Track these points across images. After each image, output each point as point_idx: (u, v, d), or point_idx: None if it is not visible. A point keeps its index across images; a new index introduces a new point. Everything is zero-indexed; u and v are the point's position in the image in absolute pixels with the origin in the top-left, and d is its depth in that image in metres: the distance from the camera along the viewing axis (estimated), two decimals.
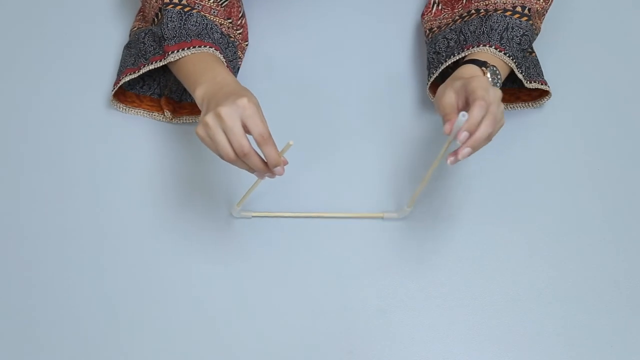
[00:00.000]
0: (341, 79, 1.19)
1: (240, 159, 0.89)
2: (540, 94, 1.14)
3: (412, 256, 1.04)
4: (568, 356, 0.97)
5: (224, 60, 1.05)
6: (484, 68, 1.00)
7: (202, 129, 0.90)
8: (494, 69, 1.00)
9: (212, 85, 0.96)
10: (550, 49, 1.22)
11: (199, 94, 0.97)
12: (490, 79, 0.99)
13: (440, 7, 1.18)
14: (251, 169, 0.91)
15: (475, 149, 0.89)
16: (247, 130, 0.89)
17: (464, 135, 0.88)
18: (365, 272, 1.03)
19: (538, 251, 1.05)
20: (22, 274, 1.03)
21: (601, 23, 1.26)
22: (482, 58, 1.02)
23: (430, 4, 1.20)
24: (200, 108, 0.96)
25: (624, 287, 1.02)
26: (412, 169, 1.10)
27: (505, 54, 1.03)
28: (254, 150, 0.89)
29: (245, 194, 1.01)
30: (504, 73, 1.03)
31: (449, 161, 0.90)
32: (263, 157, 0.90)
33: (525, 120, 1.14)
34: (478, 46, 1.04)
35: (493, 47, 1.03)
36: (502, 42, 1.04)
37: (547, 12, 1.11)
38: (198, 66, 1.01)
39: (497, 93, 0.92)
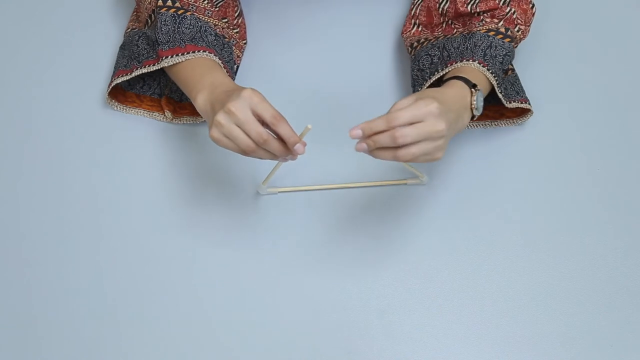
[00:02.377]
0: (340, 80, 1.19)
1: (261, 148, 0.90)
2: (524, 110, 1.13)
3: (412, 256, 1.04)
4: (568, 356, 0.97)
5: (220, 62, 1.05)
6: (473, 90, 0.97)
7: (215, 130, 0.90)
8: (481, 94, 0.98)
9: (212, 91, 0.96)
10: (549, 48, 1.22)
11: (200, 102, 0.97)
12: (475, 103, 0.97)
13: (420, 29, 1.18)
14: (273, 156, 0.92)
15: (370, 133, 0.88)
16: (258, 119, 0.90)
17: (380, 122, 0.88)
18: (365, 272, 1.03)
19: (538, 251, 1.05)
20: (23, 274, 1.03)
21: (600, 23, 1.26)
22: (466, 74, 1.00)
23: (410, 24, 1.19)
24: (202, 115, 0.97)
25: (624, 287, 1.02)
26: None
27: (488, 69, 1.02)
28: (272, 135, 0.90)
29: (270, 173, 1.03)
30: (485, 90, 1.02)
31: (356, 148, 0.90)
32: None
33: (524, 124, 1.14)
34: (461, 61, 1.03)
35: (476, 62, 1.02)
36: (485, 58, 1.03)
37: (520, 41, 1.10)
38: (197, 71, 1.01)
39: (448, 121, 0.90)
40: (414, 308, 1.01)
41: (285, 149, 0.91)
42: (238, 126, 0.89)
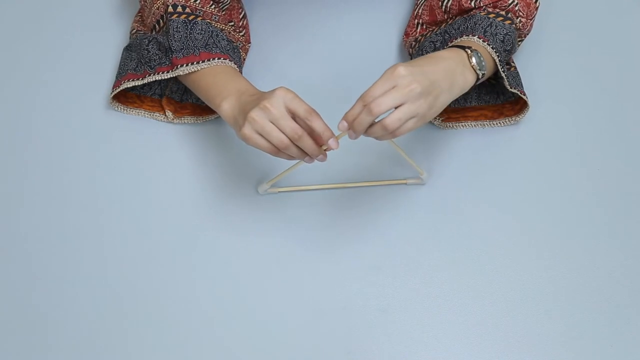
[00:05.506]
0: (342, 80, 1.19)
1: (293, 145, 0.91)
2: (522, 108, 1.13)
3: (412, 256, 1.04)
4: (568, 356, 0.97)
5: (236, 67, 1.05)
6: (468, 50, 0.96)
7: (248, 127, 0.91)
8: (479, 54, 0.97)
9: (239, 97, 0.97)
10: (548, 46, 1.22)
11: (226, 108, 0.97)
12: (475, 63, 0.96)
13: (425, 27, 1.18)
14: (303, 154, 0.93)
15: (363, 124, 0.88)
16: (291, 116, 0.91)
17: (357, 105, 0.89)
18: (365, 272, 1.03)
19: (538, 251, 1.05)
20: (26, 273, 1.03)
21: (600, 22, 1.26)
22: (465, 45, 1.00)
23: (413, 24, 1.19)
24: (227, 120, 0.98)
25: (624, 286, 1.02)
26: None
27: (489, 44, 1.01)
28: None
29: (282, 172, 1.03)
30: (488, 65, 1.01)
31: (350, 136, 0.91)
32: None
33: (524, 123, 1.14)
34: (461, 37, 1.03)
35: (476, 37, 1.02)
36: (485, 34, 1.02)
37: (525, 36, 1.11)
38: (219, 78, 1.02)
39: (427, 78, 0.89)
40: (414, 308, 1.01)
41: (317, 147, 0.92)
42: (272, 122, 0.90)
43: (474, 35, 1.02)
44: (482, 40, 1.02)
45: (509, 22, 1.05)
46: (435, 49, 1.09)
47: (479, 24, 1.04)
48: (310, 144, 0.91)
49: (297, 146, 0.92)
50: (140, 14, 1.19)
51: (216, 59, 1.04)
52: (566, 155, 1.13)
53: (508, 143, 1.13)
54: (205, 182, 1.10)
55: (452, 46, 1.00)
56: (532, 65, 1.20)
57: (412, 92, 0.88)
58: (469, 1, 1.08)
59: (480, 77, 0.97)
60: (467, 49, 0.97)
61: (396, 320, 1.00)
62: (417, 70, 0.89)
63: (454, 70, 0.94)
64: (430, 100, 0.90)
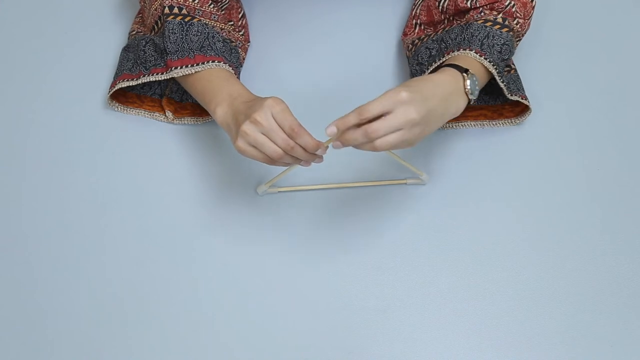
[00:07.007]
0: (342, 80, 1.19)
1: (287, 154, 0.92)
2: (522, 110, 1.13)
3: (412, 256, 1.04)
4: (568, 356, 0.97)
5: (231, 69, 1.05)
6: (465, 74, 0.97)
7: (241, 140, 0.92)
8: (475, 78, 0.97)
9: (230, 103, 0.97)
10: (548, 46, 1.22)
11: (219, 114, 0.98)
12: (469, 87, 0.96)
13: (422, 28, 1.18)
14: (298, 161, 0.93)
15: (354, 140, 0.88)
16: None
17: (352, 115, 0.88)
18: (365, 272, 1.03)
19: (538, 251, 1.05)
20: (26, 273, 1.03)
21: (599, 21, 1.26)
22: (462, 62, 1.00)
23: (411, 24, 1.19)
24: (222, 126, 0.98)
25: (624, 287, 1.02)
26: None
27: (485, 58, 1.02)
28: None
29: (281, 173, 1.04)
30: (482, 80, 1.02)
31: (333, 145, 0.91)
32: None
33: (523, 123, 1.14)
34: (458, 50, 1.03)
35: (473, 51, 1.02)
36: (482, 47, 1.03)
37: (523, 35, 1.11)
38: (213, 83, 1.02)
39: (425, 107, 0.89)
40: (413, 308, 1.01)
41: (310, 154, 0.93)
42: (264, 134, 0.90)
43: (471, 50, 1.02)
44: (479, 55, 1.02)
45: (507, 29, 1.05)
46: (431, 56, 1.10)
47: (476, 36, 1.04)
48: (303, 153, 0.92)
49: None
50: (140, 15, 1.20)
51: (210, 62, 1.04)
52: (566, 155, 1.13)
53: (508, 143, 1.13)
54: (205, 182, 1.10)
55: (449, 65, 0.99)
56: (531, 66, 1.20)
57: (411, 122, 0.88)
58: (465, 1, 1.08)
59: (471, 101, 0.98)
60: (464, 73, 0.97)
61: (396, 320, 1.00)
62: (418, 97, 0.89)
63: (448, 98, 0.94)
64: (424, 128, 0.90)
